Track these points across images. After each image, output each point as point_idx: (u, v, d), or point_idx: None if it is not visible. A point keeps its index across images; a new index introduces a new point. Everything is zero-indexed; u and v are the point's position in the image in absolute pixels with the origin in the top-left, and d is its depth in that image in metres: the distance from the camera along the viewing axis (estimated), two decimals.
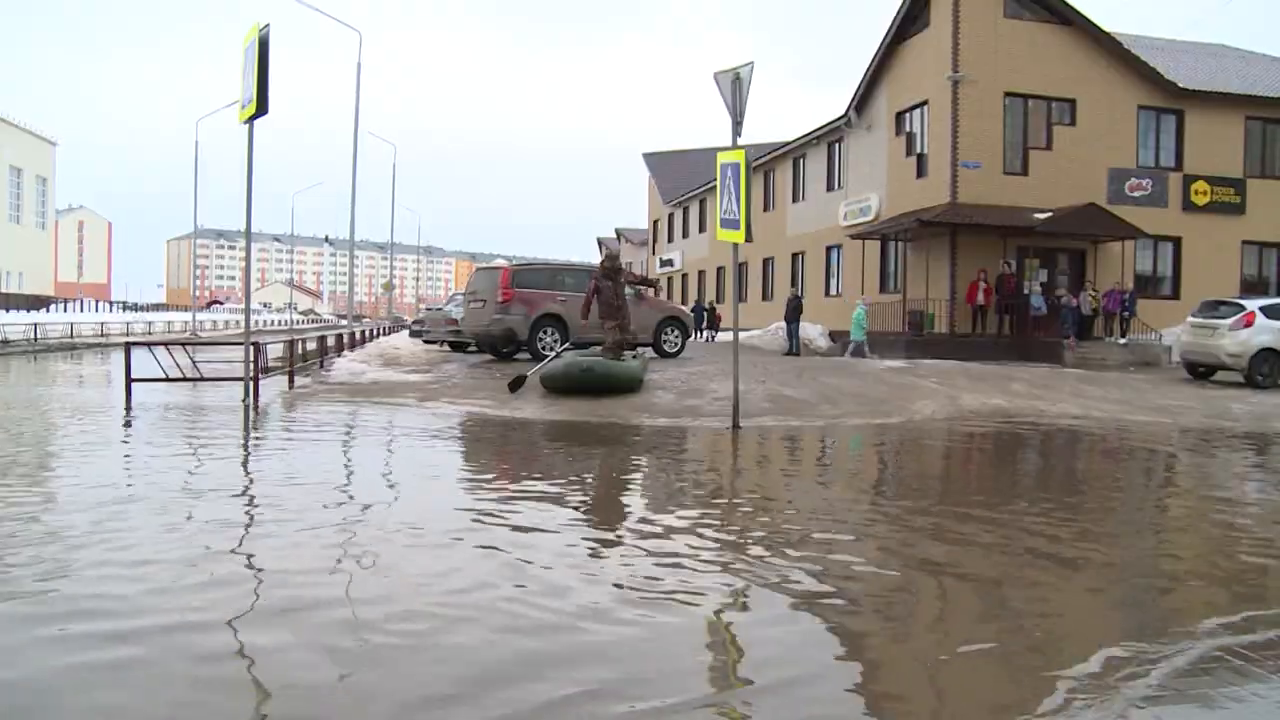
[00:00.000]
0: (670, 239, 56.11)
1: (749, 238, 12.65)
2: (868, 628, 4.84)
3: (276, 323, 71.11)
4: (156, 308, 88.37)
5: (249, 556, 5.78)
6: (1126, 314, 26.98)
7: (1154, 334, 26.85)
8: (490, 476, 9.34)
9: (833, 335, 31.16)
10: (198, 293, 69.16)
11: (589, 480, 8.88)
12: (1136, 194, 28.76)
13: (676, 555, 5.98)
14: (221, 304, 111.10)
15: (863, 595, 5.30)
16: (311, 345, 21.59)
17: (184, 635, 4.36)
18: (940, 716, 3.87)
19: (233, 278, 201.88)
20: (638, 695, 3.77)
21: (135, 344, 17.15)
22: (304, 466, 9.30)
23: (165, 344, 16.22)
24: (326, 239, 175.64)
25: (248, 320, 15.80)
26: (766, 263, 40.93)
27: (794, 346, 28.22)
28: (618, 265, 17.45)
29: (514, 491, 8.18)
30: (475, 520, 6.83)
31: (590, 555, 6.00)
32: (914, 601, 5.27)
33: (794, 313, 28.80)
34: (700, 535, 6.53)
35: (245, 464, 9.68)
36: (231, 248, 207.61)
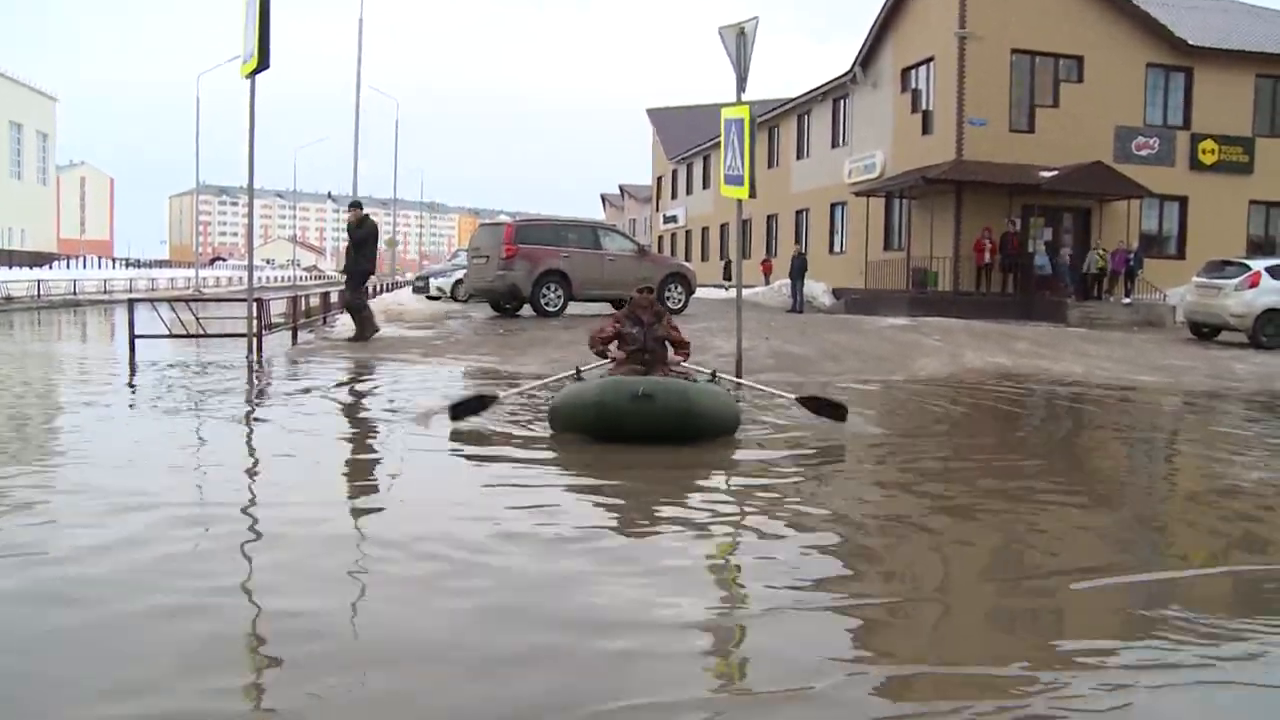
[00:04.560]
0: (674, 195, 55.89)
1: (753, 194, 12.57)
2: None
3: (280, 279, 70.90)
4: (159, 264, 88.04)
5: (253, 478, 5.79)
6: (1132, 273, 26.87)
7: (1159, 294, 26.77)
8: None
9: (836, 293, 31.11)
10: (200, 249, 68.91)
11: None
12: (1143, 153, 28.58)
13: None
14: (225, 260, 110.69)
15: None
16: (315, 301, 21.56)
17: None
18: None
19: (235, 234, 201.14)
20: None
21: (138, 300, 17.12)
22: (307, 422, 9.35)
23: (169, 300, 16.20)
24: (330, 195, 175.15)
25: (251, 276, 15.77)
26: (770, 219, 40.79)
27: (798, 304, 28.16)
28: (658, 310, 9.60)
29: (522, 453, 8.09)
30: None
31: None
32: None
33: (798, 270, 28.71)
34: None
35: (249, 418, 9.72)
36: (234, 204, 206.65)
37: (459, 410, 8.91)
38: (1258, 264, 21.00)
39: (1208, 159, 29.20)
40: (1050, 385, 14.27)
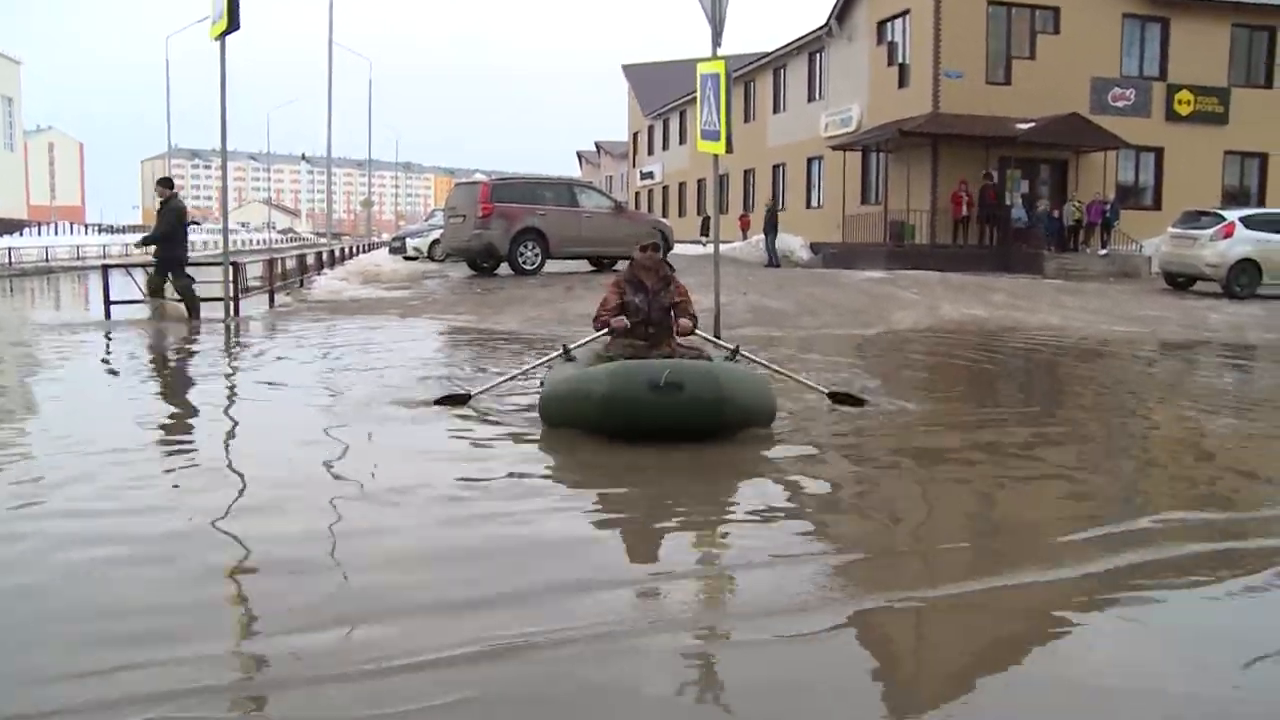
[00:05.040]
0: (650, 151, 55.65)
1: (730, 149, 12.53)
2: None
3: (255, 242, 70.17)
4: (133, 229, 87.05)
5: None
6: (1108, 224, 26.95)
7: (1135, 245, 26.86)
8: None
9: (814, 247, 31.10)
10: None
11: None
12: (1120, 104, 28.58)
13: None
14: (199, 224, 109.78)
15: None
16: (291, 264, 21.46)
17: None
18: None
19: (209, 197, 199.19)
20: None
21: (112, 266, 17.01)
22: (288, 377, 9.39)
23: (143, 265, 16.07)
24: (304, 157, 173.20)
25: (225, 239, 15.70)
26: (747, 174, 40.69)
27: (773, 259, 28.11)
28: (665, 273, 7.86)
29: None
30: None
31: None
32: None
33: (771, 224, 28.63)
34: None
35: (228, 378, 9.70)
36: (207, 167, 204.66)
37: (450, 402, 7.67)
38: (1232, 215, 21.11)
39: (1183, 110, 29.22)
40: (1027, 337, 14.34)
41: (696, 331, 7.70)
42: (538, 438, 6.80)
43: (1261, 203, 28.44)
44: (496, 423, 7.24)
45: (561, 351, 7.54)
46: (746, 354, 7.88)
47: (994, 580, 4.17)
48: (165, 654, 3.24)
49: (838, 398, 7.98)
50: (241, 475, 5.80)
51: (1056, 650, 3.57)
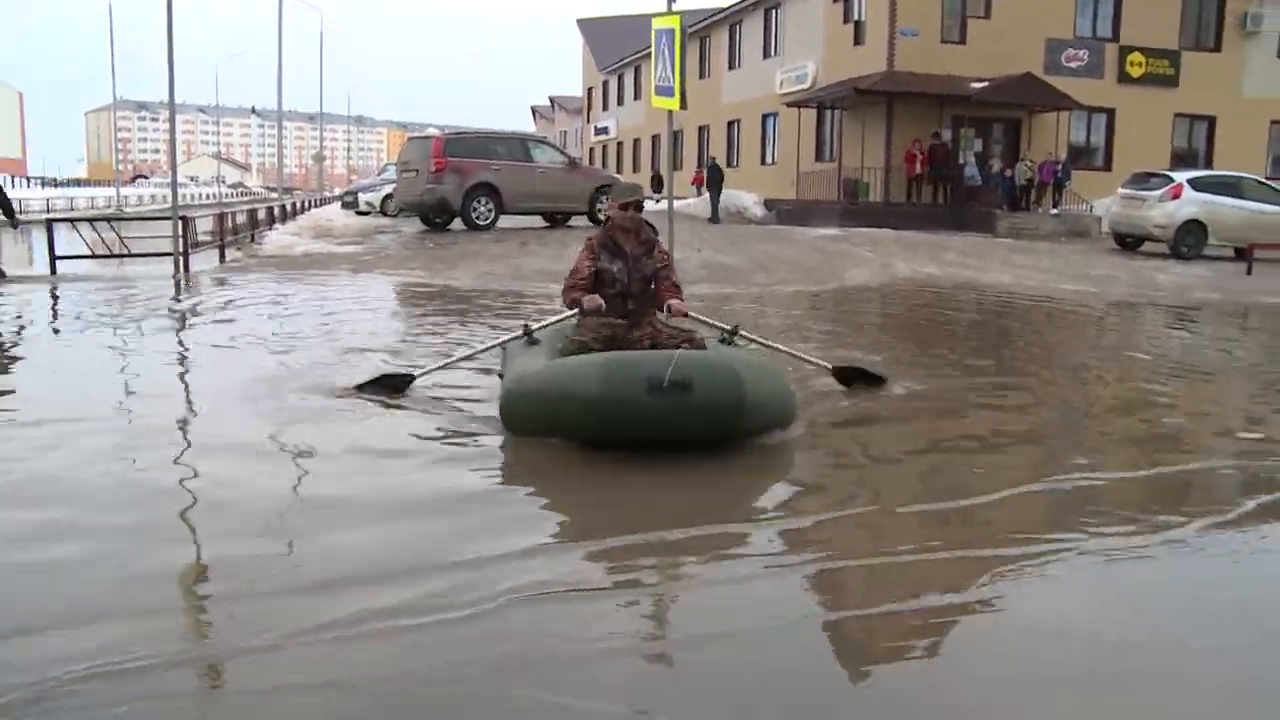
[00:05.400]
0: (605, 107, 55.28)
1: (684, 105, 12.47)
2: None
3: (205, 196, 69.14)
4: (78, 183, 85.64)
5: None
6: (1060, 184, 27.15)
7: (1086, 205, 27.11)
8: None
9: (768, 204, 31.11)
10: (121, 167, 66.91)
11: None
12: (1073, 65, 28.70)
13: None
14: (147, 178, 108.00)
15: None
16: (242, 219, 21.20)
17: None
18: None
19: (157, 151, 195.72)
20: None
21: (57, 220, 16.70)
22: (240, 332, 9.24)
23: (90, 220, 15.79)
24: (253, 110, 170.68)
25: (175, 194, 15.44)
26: (702, 130, 40.53)
27: (715, 214, 28.04)
28: (647, 237, 6.40)
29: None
30: None
31: None
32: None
33: (714, 180, 28.57)
34: None
35: (179, 334, 9.58)
36: (155, 119, 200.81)
37: (367, 387, 6.41)
38: (1180, 176, 21.36)
39: (1135, 71, 29.41)
40: (977, 295, 14.46)
41: (677, 317, 6.27)
42: (499, 448, 5.43)
43: (1209, 165, 28.80)
44: (442, 430, 5.73)
45: (522, 333, 6.22)
46: (746, 334, 6.61)
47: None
48: None
49: (846, 376, 6.92)
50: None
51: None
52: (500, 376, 6.15)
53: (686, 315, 6.29)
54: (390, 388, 6.37)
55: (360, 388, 6.38)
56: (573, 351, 5.72)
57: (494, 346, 6.70)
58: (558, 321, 6.43)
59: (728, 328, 6.51)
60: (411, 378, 6.46)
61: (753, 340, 6.77)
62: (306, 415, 5.97)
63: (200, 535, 4.12)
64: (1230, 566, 4.11)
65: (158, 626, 3.19)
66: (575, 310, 6.14)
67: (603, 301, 6.03)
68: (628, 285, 6.17)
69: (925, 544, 4.13)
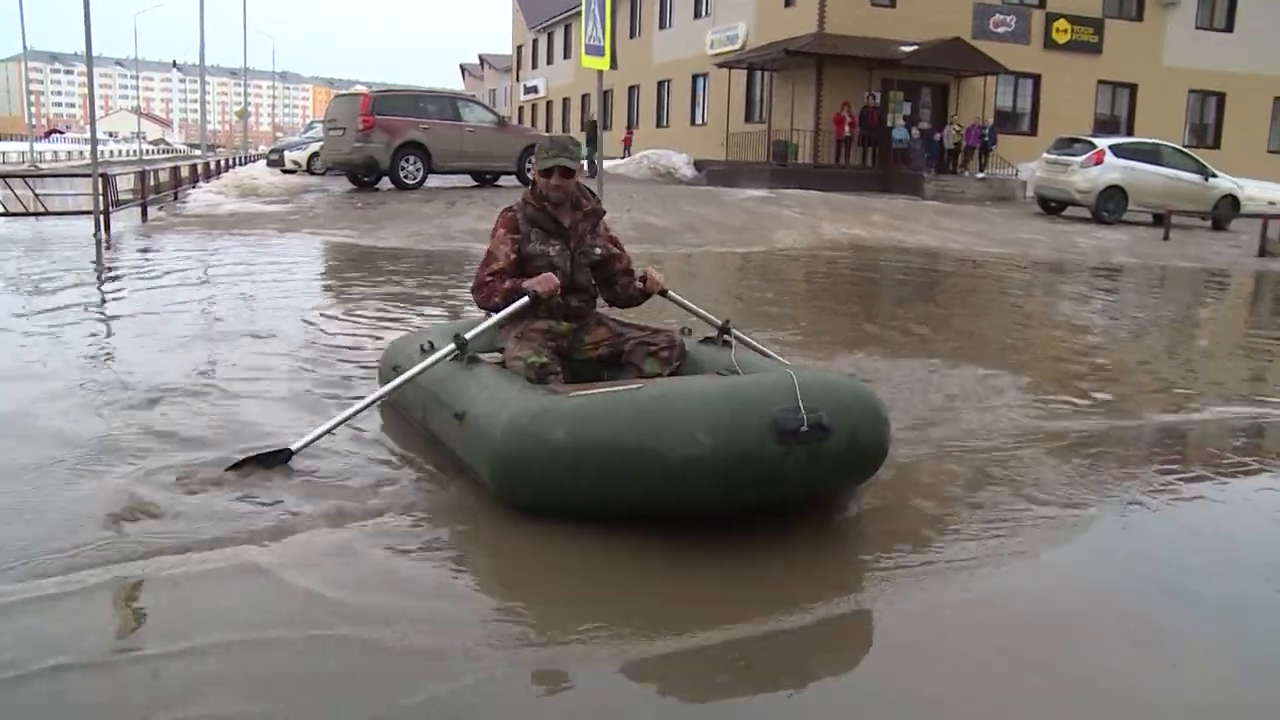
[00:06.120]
0: (534, 65, 54.76)
1: (614, 65, 12.43)
2: None
3: (125, 153, 67.34)
4: None
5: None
6: (986, 148, 27.47)
7: (1011, 169, 27.45)
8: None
9: (697, 164, 31.10)
10: (34, 121, 64.89)
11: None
12: (1000, 30, 28.96)
13: None
14: (62, 133, 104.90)
15: None
16: (164, 176, 20.71)
17: None
18: None
19: (73, 105, 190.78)
20: None
21: None
22: (164, 298, 8.99)
23: (1, 176, 15.28)
24: (174, 64, 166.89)
25: (94, 150, 15.01)
26: (632, 90, 40.33)
27: (593, 170, 27.91)
28: (591, 207, 4.72)
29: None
30: None
31: None
32: None
33: (591, 139, 28.50)
34: None
35: (101, 292, 9.35)
36: (69, 72, 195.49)
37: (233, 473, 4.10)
38: (1102, 142, 21.77)
39: (1061, 38, 29.77)
40: (904, 256, 14.62)
41: (671, 293, 4.91)
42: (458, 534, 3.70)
43: (1130, 131, 29.36)
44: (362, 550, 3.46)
45: (454, 348, 4.37)
46: (738, 334, 4.93)
47: None
48: None
49: None
50: None
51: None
52: (423, 417, 4.56)
53: (666, 294, 4.85)
54: (264, 466, 4.15)
55: (231, 469, 4.11)
56: (530, 373, 4.28)
57: (395, 388, 4.51)
58: (485, 329, 4.55)
59: (717, 323, 4.92)
60: (289, 452, 4.24)
61: (743, 341, 4.94)
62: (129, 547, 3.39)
63: None
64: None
65: None
66: (520, 305, 4.40)
67: (558, 281, 4.45)
68: (570, 275, 4.60)
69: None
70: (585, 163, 6.68)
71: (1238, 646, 3.05)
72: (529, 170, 20.20)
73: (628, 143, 36.18)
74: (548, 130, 44.67)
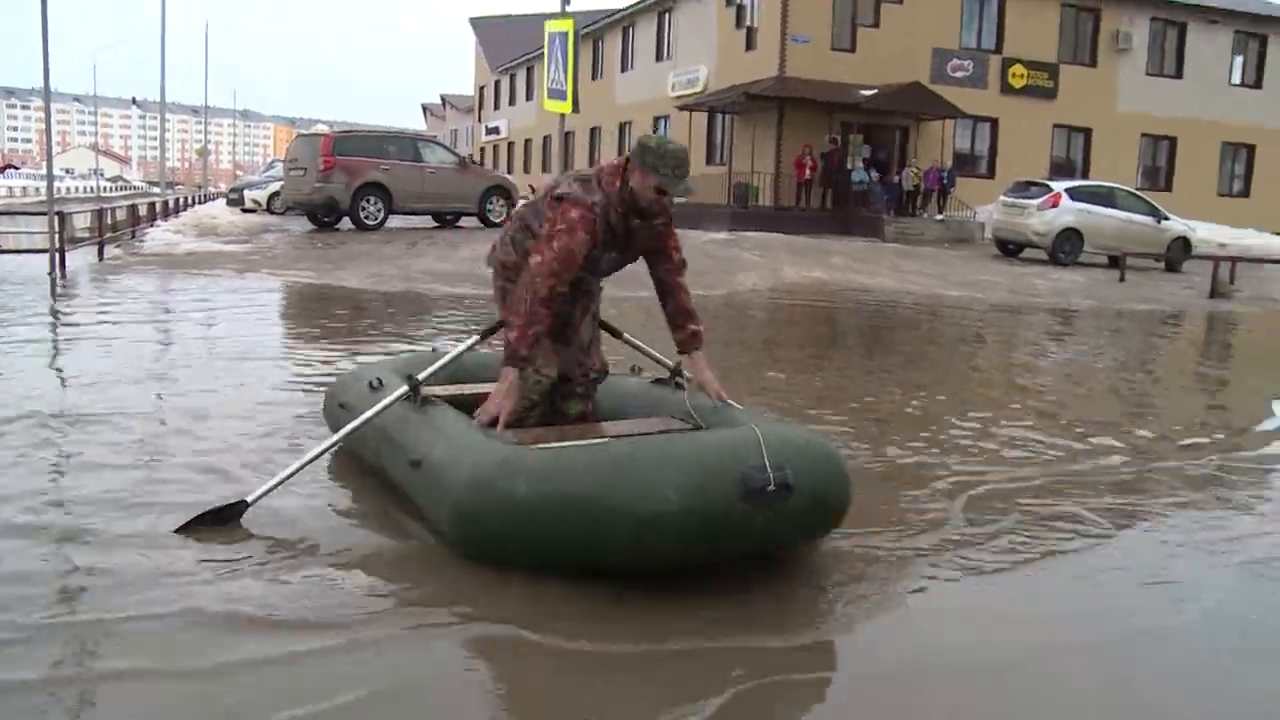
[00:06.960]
0: (497, 106, 54.96)
1: (576, 109, 12.50)
2: None
3: (82, 190, 66.81)
4: None
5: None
6: (945, 191, 27.75)
7: (969, 211, 27.75)
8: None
9: None
10: None
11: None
12: (958, 74, 29.38)
13: None
14: (16, 169, 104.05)
15: None
16: (122, 214, 20.52)
17: None
18: None
19: (29, 140, 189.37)
20: None
21: None
22: (119, 337, 8.88)
23: None
24: (134, 101, 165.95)
25: (50, 186, 14.82)
26: (594, 132, 40.52)
27: None
28: (662, 204, 4.42)
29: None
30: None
31: None
32: None
33: None
34: None
35: (55, 332, 9.20)
36: (25, 107, 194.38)
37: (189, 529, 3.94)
38: (1058, 185, 22.13)
39: (1017, 82, 30.23)
40: (863, 300, 14.69)
41: (626, 337, 5.09)
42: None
43: (1085, 175, 29.81)
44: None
45: (406, 392, 4.29)
46: (689, 373, 4.67)
47: None
48: None
49: None
50: None
51: None
52: (376, 460, 4.48)
53: (620, 336, 5.04)
54: (219, 520, 3.99)
55: (181, 530, 3.92)
56: (534, 392, 4.31)
57: (338, 441, 4.40)
58: (440, 361, 4.55)
59: (670, 365, 4.84)
60: (244, 505, 4.06)
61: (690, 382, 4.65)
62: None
63: None
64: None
65: None
66: (478, 339, 4.40)
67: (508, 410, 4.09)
68: (592, 284, 4.51)
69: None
70: None
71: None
72: (490, 213, 20.45)
73: None
74: (509, 172, 44.70)
